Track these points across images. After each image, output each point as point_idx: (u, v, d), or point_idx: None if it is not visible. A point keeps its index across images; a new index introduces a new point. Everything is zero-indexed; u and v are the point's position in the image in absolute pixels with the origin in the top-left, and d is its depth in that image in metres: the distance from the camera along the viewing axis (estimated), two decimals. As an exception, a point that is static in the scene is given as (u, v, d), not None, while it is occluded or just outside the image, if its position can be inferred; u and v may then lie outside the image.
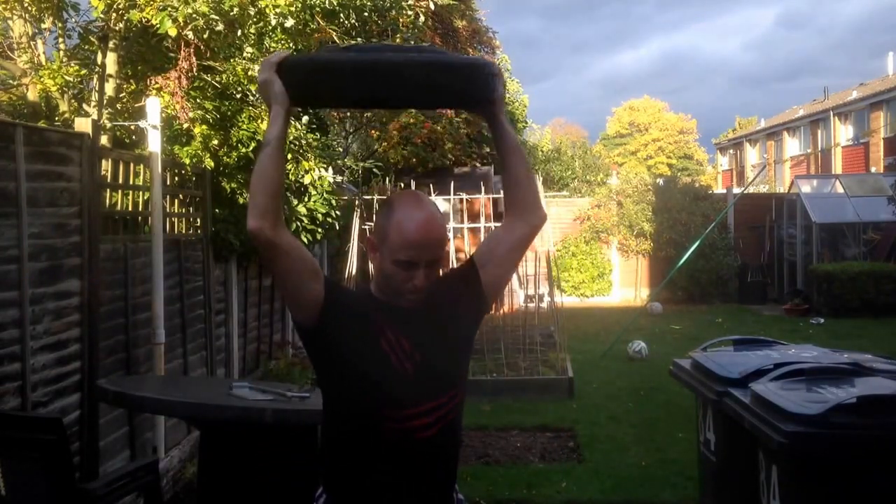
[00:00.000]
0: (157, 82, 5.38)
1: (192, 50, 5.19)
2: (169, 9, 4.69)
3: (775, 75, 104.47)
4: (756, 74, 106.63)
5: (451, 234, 10.33)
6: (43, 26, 5.41)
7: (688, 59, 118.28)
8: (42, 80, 5.11)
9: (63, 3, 5.33)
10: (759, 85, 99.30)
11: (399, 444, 1.90)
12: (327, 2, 5.55)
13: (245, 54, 5.93)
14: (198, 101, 5.70)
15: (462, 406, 2.03)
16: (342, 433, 1.96)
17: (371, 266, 2.13)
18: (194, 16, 4.70)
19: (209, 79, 5.85)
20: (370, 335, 1.91)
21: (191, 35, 4.95)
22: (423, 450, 1.92)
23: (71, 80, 5.31)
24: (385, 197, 9.53)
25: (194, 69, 5.32)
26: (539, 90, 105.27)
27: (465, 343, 2.07)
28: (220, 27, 4.88)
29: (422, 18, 7.21)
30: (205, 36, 4.98)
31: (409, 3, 6.74)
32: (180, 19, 4.68)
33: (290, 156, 6.36)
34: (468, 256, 1.88)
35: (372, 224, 8.87)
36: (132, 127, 5.48)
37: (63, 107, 5.39)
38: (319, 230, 7.38)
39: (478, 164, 15.17)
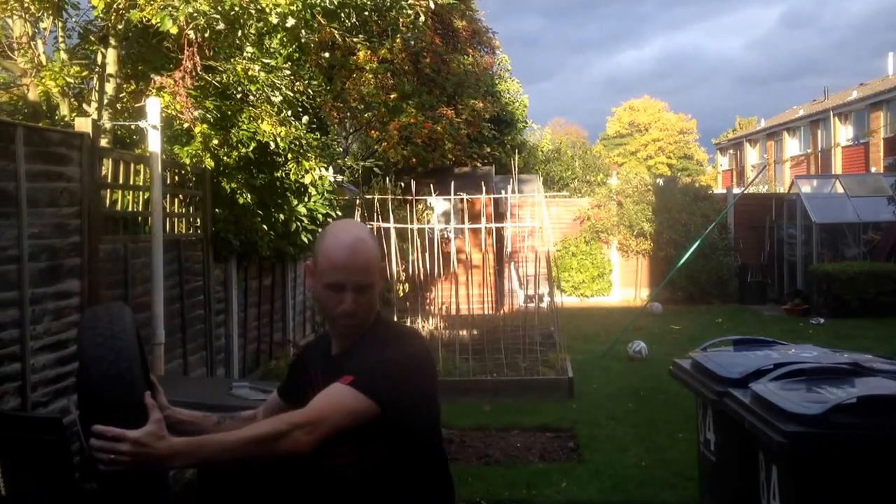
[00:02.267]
0: (157, 83, 5.38)
1: (195, 49, 5.19)
2: (169, 8, 4.69)
3: (777, 75, 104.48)
4: (758, 74, 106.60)
5: (451, 235, 10.34)
6: (43, 26, 5.41)
7: (690, 59, 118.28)
8: (43, 80, 5.11)
9: (63, 2, 5.33)
10: (760, 85, 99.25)
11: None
12: (328, 1, 5.55)
13: (245, 54, 5.93)
14: (198, 100, 5.70)
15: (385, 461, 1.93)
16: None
17: None
18: (195, 14, 4.70)
19: (210, 78, 5.85)
20: (303, 380, 2.07)
21: (192, 34, 4.95)
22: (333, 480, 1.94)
23: (72, 80, 5.31)
24: (387, 197, 9.55)
25: (198, 68, 5.32)
26: (539, 90, 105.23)
27: None
28: (221, 26, 4.88)
29: (422, 18, 7.21)
30: (206, 35, 4.98)
31: (409, 2, 6.73)
32: (181, 18, 4.68)
33: (290, 156, 6.37)
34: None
35: (371, 224, 8.86)
36: (132, 127, 5.49)
37: (63, 107, 5.39)
38: (320, 230, 7.37)
39: (478, 164, 15.18)
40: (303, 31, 5.60)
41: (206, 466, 1.70)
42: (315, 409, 1.79)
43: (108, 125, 5.28)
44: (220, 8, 4.81)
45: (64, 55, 5.48)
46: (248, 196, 6.22)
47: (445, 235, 11.21)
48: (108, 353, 1.72)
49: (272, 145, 6.08)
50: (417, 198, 9.57)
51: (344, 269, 1.89)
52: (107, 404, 1.69)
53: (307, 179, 6.68)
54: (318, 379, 1.98)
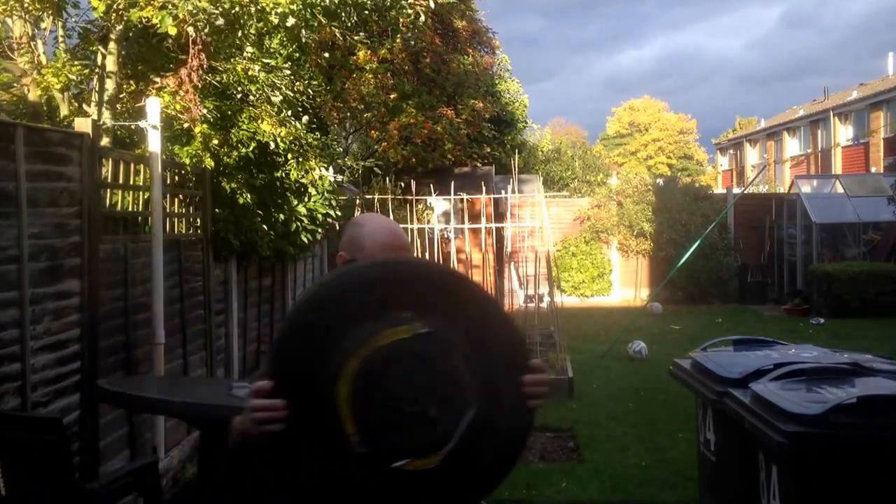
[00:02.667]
0: (159, 83, 5.38)
1: (200, 47, 5.19)
2: (169, 6, 4.68)
3: (778, 75, 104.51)
4: (758, 74, 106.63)
5: (451, 235, 10.34)
6: (43, 26, 5.40)
7: (690, 59, 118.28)
8: (45, 77, 5.10)
9: (63, 2, 5.33)
10: (760, 85, 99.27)
11: None
12: (328, 0, 5.55)
13: (245, 54, 5.93)
14: (200, 100, 5.70)
15: None
16: None
17: None
18: (195, 11, 4.69)
19: (210, 78, 5.85)
20: None
21: (192, 32, 4.94)
22: None
23: (74, 78, 5.31)
24: (387, 197, 9.55)
25: (204, 66, 5.32)
26: (539, 90, 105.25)
27: None
28: (221, 21, 4.87)
29: (422, 18, 7.21)
30: (206, 31, 4.97)
31: (409, 2, 6.73)
32: (181, 16, 4.67)
33: (290, 156, 6.36)
34: None
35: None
36: (132, 127, 5.48)
37: (63, 107, 5.39)
38: (320, 230, 7.37)
39: (478, 164, 15.17)
40: (303, 31, 5.60)
41: None
42: None
43: (108, 125, 5.28)
44: (219, 6, 4.81)
45: (64, 55, 5.48)
46: (248, 196, 6.22)
47: (445, 235, 11.21)
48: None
49: (272, 145, 6.07)
50: (417, 198, 9.58)
51: (393, 248, 2.04)
52: (521, 347, 1.84)
53: (307, 179, 6.68)
54: None
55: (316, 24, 5.75)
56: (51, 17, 5.31)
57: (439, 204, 11.98)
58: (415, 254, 8.79)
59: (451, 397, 1.64)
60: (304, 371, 1.65)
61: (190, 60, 5.22)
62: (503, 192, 10.27)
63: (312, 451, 1.66)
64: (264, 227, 6.50)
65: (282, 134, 5.95)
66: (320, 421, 1.62)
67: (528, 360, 1.76)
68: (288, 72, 6.37)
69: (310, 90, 7.34)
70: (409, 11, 6.85)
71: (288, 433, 1.65)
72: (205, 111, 5.49)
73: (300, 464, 1.71)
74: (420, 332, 1.64)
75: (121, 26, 5.15)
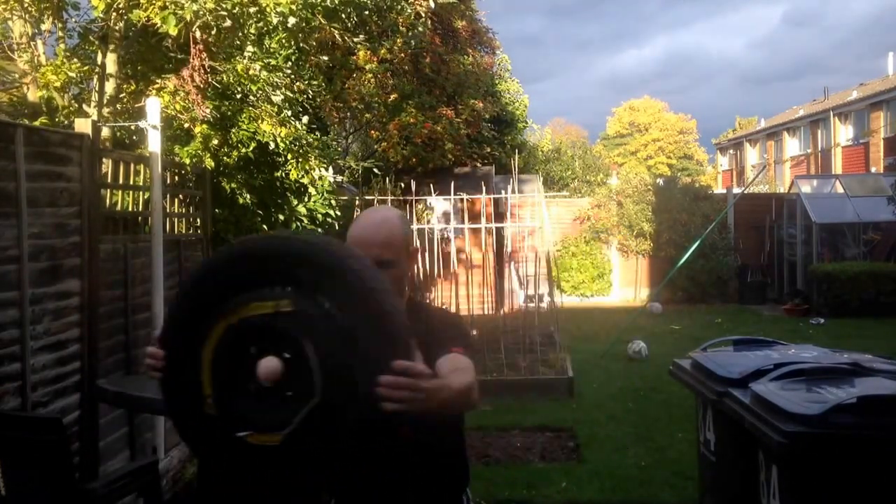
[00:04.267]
0: (158, 83, 5.38)
1: (201, 46, 5.19)
2: (173, 6, 4.68)
3: (779, 74, 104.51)
4: (760, 74, 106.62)
5: (451, 235, 10.34)
6: (43, 27, 5.41)
7: (692, 59, 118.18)
8: (45, 75, 5.10)
9: (63, 2, 5.33)
10: (762, 84, 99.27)
11: None
12: (328, 0, 5.55)
13: (246, 54, 5.93)
14: (201, 100, 5.70)
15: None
16: None
17: None
18: (201, 12, 4.68)
19: (210, 78, 5.85)
20: None
21: (197, 32, 4.94)
22: None
23: (74, 76, 5.30)
24: (386, 197, 9.55)
25: (206, 66, 5.32)
26: (539, 90, 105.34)
27: None
28: (228, 23, 4.87)
29: (422, 18, 7.21)
30: (212, 33, 4.97)
31: (409, 2, 6.73)
32: (187, 16, 4.66)
33: (290, 156, 6.36)
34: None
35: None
36: (132, 127, 5.48)
37: (63, 107, 5.39)
38: (319, 230, 7.37)
39: (478, 164, 15.17)
40: (302, 32, 5.60)
41: (434, 412, 1.70)
42: (466, 371, 1.87)
43: (108, 125, 5.28)
44: (224, 6, 4.80)
45: (64, 54, 5.48)
46: (248, 196, 6.22)
47: (445, 235, 11.21)
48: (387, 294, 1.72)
49: (272, 145, 6.08)
50: (417, 198, 9.58)
51: (363, 243, 1.98)
52: (394, 345, 1.67)
53: (307, 179, 6.69)
54: None
55: (316, 25, 5.75)
56: (51, 18, 5.31)
57: (439, 204, 11.98)
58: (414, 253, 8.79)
59: (297, 381, 1.67)
60: (180, 329, 1.79)
61: (192, 60, 5.22)
62: (503, 192, 10.28)
63: (177, 404, 1.83)
64: (264, 227, 6.50)
65: (282, 134, 5.95)
66: (187, 377, 1.76)
67: (392, 358, 1.62)
68: (288, 72, 6.37)
69: (310, 90, 7.33)
70: (409, 12, 6.86)
71: (164, 382, 1.83)
72: (207, 111, 5.49)
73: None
74: (282, 311, 1.69)
75: (121, 25, 5.15)
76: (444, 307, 2.24)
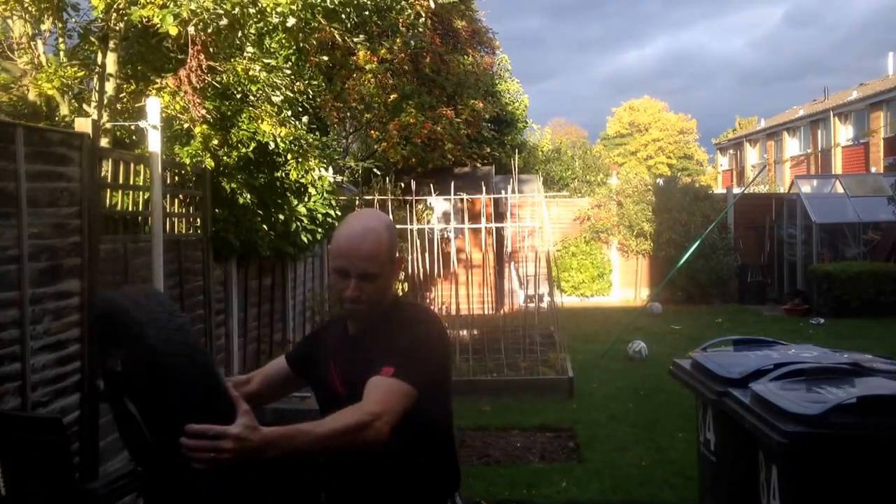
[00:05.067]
0: (158, 83, 5.37)
1: (199, 47, 5.18)
2: (171, 5, 4.67)
3: (780, 74, 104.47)
4: (761, 73, 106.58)
5: (451, 235, 10.33)
6: (43, 27, 5.40)
7: (693, 58, 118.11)
8: (39, 83, 5.09)
9: (63, 3, 5.32)
10: (763, 84, 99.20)
11: None
12: (328, 1, 5.54)
13: (246, 54, 5.93)
14: (200, 100, 5.70)
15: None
16: None
17: None
18: (198, 11, 4.68)
19: (210, 79, 5.85)
20: (319, 354, 2.13)
21: (193, 31, 4.94)
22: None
23: (69, 81, 5.30)
24: (386, 198, 9.55)
25: (203, 67, 5.32)
26: (539, 90, 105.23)
27: None
28: (224, 22, 4.86)
29: (422, 18, 7.21)
30: (209, 31, 4.96)
31: (409, 2, 6.73)
32: (184, 15, 4.66)
33: (290, 156, 6.36)
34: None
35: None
36: (132, 127, 5.48)
37: (63, 108, 5.39)
38: (319, 230, 7.37)
39: (478, 164, 15.18)
40: (302, 32, 5.60)
41: (293, 456, 1.68)
42: (381, 400, 1.79)
43: (108, 125, 5.28)
44: (221, 6, 4.80)
45: (63, 56, 5.48)
46: (248, 196, 6.22)
47: (445, 235, 11.21)
48: (182, 347, 1.65)
49: (272, 145, 6.07)
50: (417, 198, 9.58)
51: (347, 256, 1.94)
52: (195, 400, 1.61)
53: (307, 179, 6.69)
54: (335, 357, 2.06)
55: (316, 25, 5.74)
56: (51, 18, 5.31)
57: (439, 204, 11.98)
58: (410, 258, 8.80)
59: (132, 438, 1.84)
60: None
61: (189, 61, 5.21)
62: (503, 192, 10.27)
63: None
64: (264, 227, 6.50)
65: (282, 134, 5.95)
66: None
67: (185, 419, 1.57)
68: (288, 72, 6.37)
69: (310, 90, 7.33)
70: (410, 12, 6.85)
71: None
72: (204, 112, 5.49)
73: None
74: (108, 369, 1.82)
75: (121, 25, 5.15)
76: (426, 310, 2.12)
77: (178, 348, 1.64)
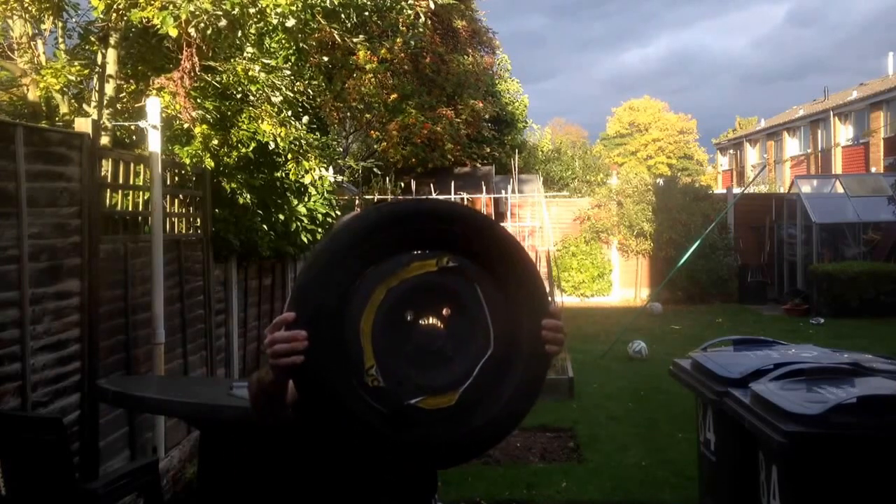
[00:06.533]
0: (158, 83, 5.37)
1: (193, 49, 5.19)
2: (171, 6, 4.68)
3: (781, 74, 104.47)
4: (762, 73, 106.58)
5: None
6: (43, 27, 5.40)
7: (694, 58, 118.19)
8: (45, 78, 5.10)
9: (63, 2, 5.33)
10: (764, 84, 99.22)
11: None
12: (328, 1, 5.55)
13: (245, 54, 5.93)
14: (198, 101, 5.70)
15: None
16: None
17: None
18: (197, 13, 4.68)
19: (209, 79, 5.85)
20: None
21: (193, 33, 4.94)
22: None
23: (73, 79, 5.30)
24: (386, 197, 9.55)
25: (197, 69, 5.32)
26: (540, 90, 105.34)
27: None
28: (224, 23, 4.86)
29: (422, 18, 7.21)
30: (208, 32, 4.96)
31: (409, 2, 6.73)
32: (183, 16, 4.66)
33: (290, 156, 6.36)
34: None
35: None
36: (132, 127, 5.48)
37: (63, 107, 5.39)
38: (319, 230, 7.37)
39: (478, 164, 15.18)
40: (302, 33, 5.60)
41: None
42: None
43: (108, 125, 5.28)
44: (220, 7, 4.80)
45: (64, 55, 5.48)
46: (248, 196, 6.22)
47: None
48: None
49: (272, 145, 6.07)
50: (417, 198, 9.56)
51: None
52: (543, 290, 1.77)
53: (307, 179, 6.68)
54: None
55: (316, 26, 5.74)
56: (51, 18, 5.31)
57: (439, 204, 11.96)
58: None
59: (470, 336, 1.65)
60: (326, 303, 1.61)
61: (183, 63, 5.21)
62: (503, 191, 10.28)
63: (328, 385, 1.61)
64: (264, 227, 6.50)
65: (282, 134, 5.95)
66: (341, 352, 1.59)
67: (547, 304, 1.72)
68: (288, 72, 6.37)
69: (310, 90, 7.33)
70: (409, 12, 6.85)
71: (307, 366, 1.59)
72: (195, 115, 5.48)
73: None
74: (446, 266, 1.65)
75: (121, 25, 5.15)
76: None
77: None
